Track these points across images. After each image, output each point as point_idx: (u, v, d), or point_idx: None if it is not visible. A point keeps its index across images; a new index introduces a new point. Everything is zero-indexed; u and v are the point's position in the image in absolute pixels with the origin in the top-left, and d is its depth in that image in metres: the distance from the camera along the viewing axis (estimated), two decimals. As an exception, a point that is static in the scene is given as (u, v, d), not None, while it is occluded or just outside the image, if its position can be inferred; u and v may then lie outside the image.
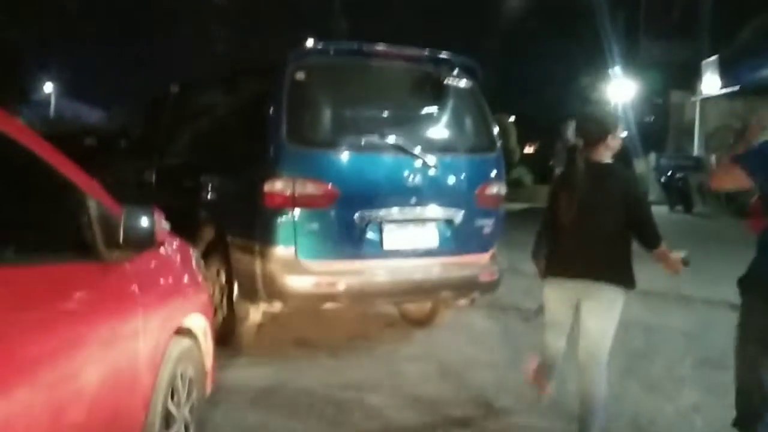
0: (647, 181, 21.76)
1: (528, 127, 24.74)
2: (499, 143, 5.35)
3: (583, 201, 3.33)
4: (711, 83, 20.21)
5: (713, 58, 20.00)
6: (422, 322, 5.73)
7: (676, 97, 22.60)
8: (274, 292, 4.44)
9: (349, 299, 4.60)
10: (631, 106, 20.49)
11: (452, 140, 5.14)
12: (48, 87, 33.12)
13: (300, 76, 4.55)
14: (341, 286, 4.48)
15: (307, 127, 4.58)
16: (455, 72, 5.18)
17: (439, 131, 5.12)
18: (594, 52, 21.86)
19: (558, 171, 6.26)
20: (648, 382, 4.79)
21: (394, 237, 4.73)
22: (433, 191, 4.87)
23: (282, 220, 4.41)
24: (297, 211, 4.41)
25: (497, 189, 5.21)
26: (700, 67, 20.71)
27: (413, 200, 4.78)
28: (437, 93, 5.10)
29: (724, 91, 19.42)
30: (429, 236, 4.89)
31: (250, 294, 4.57)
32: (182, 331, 2.98)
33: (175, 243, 3.11)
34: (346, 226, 4.56)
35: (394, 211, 4.72)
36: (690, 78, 21.47)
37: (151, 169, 5.84)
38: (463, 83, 5.20)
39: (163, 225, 2.57)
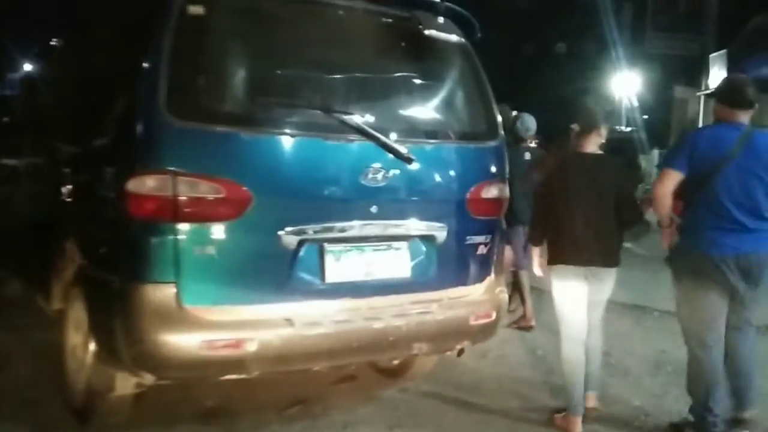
0: (651, 177, 20.02)
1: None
2: (501, 129, 3.53)
3: (584, 191, 3.43)
4: (718, 78, 18.31)
5: (721, 52, 18.11)
6: (396, 372, 3.92)
7: (679, 93, 20.72)
8: (140, 357, 2.62)
9: (266, 365, 2.75)
10: (637, 100, 18.71)
11: (434, 121, 3.29)
12: (28, 67, 30.91)
13: (195, 10, 2.69)
14: (252, 346, 2.65)
15: (202, 92, 2.72)
16: (441, 23, 3.34)
17: (416, 107, 3.26)
18: (598, 44, 20.05)
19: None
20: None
21: (341, 265, 2.91)
22: (404, 195, 3.07)
23: (155, 240, 2.58)
24: (182, 225, 2.59)
25: (498, 191, 3.40)
26: (707, 62, 18.83)
27: (374, 209, 2.96)
28: (414, 50, 3.25)
29: (732, 86, 17.54)
30: (397, 263, 3.08)
31: (111, 357, 2.77)
32: None
33: None
34: (264, 250, 2.75)
35: (343, 226, 2.90)
36: (695, 73, 19.64)
37: (14, 158, 3.96)
38: (452, 39, 3.35)
39: None
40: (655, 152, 19.92)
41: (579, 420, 3.50)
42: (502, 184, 3.44)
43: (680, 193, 3.34)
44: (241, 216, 2.67)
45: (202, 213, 2.62)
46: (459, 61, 3.38)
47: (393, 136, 3.00)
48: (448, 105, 3.35)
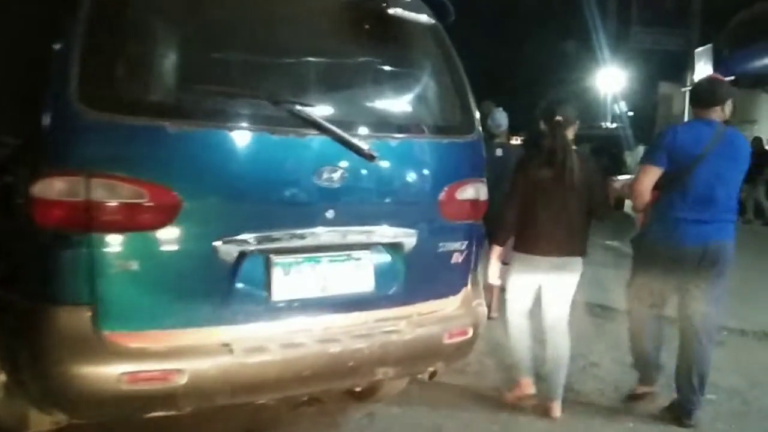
0: (636, 174, 19.68)
1: (515, 117, 22.51)
2: (478, 122, 3.13)
3: (556, 184, 3.48)
4: (704, 73, 18.06)
5: (707, 46, 17.83)
6: (363, 393, 3.49)
7: (664, 89, 20.45)
8: (50, 393, 2.21)
9: (200, 400, 2.33)
10: (623, 96, 18.42)
11: (401, 113, 2.88)
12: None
13: None
14: (182, 378, 2.24)
15: (121, 78, 2.27)
16: (409, 2, 2.89)
17: (380, 97, 2.85)
18: (584, 39, 19.72)
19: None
20: None
21: (292, 280, 2.50)
22: (365, 197, 2.66)
23: (66, 254, 2.15)
24: (98, 236, 2.16)
25: (475, 191, 2.99)
26: (692, 57, 18.56)
27: (330, 214, 2.54)
28: (378, 32, 2.82)
29: (718, 81, 17.23)
30: (358, 275, 2.66)
31: (20, 391, 2.34)
32: None
33: None
34: (198, 265, 2.32)
35: (294, 234, 2.49)
36: (679, 69, 19.37)
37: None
38: (422, 21, 2.94)
39: None
40: (640, 149, 19.65)
41: (529, 381, 3.66)
42: (479, 183, 3.04)
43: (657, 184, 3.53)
44: (168, 224, 2.25)
45: (121, 221, 2.20)
46: (429, 46, 2.96)
47: (352, 129, 2.59)
48: (416, 95, 2.94)
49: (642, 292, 3.67)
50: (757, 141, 14.30)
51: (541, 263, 3.52)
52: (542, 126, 3.60)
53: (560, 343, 3.61)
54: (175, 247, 2.28)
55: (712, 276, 3.47)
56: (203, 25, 2.48)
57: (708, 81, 3.75)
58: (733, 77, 16.38)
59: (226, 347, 2.33)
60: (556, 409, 3.58)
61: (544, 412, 3.58)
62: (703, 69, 18.07)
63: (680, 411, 3.59)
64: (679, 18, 19.24)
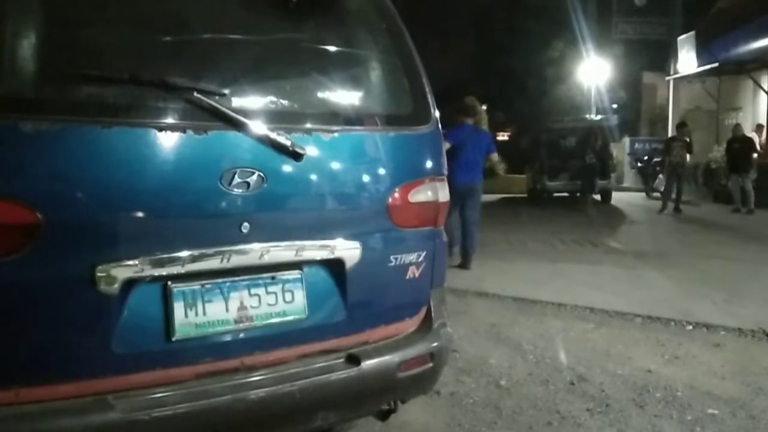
0: (623, 165, 19.28)
1: (501, 113, 22.00)
2: (435, 112, 2.58)
3: None
4: (687, 61, 17.59)
5: (689, 34, 17.37)
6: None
7: (648, 78, 19.97)
8: None
9: None
10: (607, 87, 17.96)
11: (338, 100, 2.32)
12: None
13: None
14: None
15: None
16: None
17: (310, 81, 2.27)
18: (567, 31, 19.22)
19: None
20: None
21: (198, 313, 1.95)
22: (293, 205, 2.12)
23: None
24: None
25: (432, 192, 2.46)
26: (675, 45, 18.10)
27: (245, 227, 1.99)
28: (307, 4, 2.32)
29: (701, 69, 16.80)
30: (286, 301, 2.13)
31: None
32: None
33: None
34: (68, 300, 1.77)
35: (198, 255, 1.94)
36: (663, 58, 18.93)
37: None
38: None
39: None
40: (626, 140, 19.20)
41: None
42: (438, 182, 2.50)
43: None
44: (23, 251, 1.70)
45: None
46: (370, 18, 2.43)
47: (273, 121, 2.05)
48: (356, 78, 2.40)
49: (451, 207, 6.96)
50: (739, 128, 13.85)
51: None
52: None
53: None
54: (34, 280, 1.73)
55: (474, 199, 7.10)
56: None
57: (469, 101, 7.23)
58: (716, 64, 16.00)
59: (102, 403, 1.78)
60: None
61: None
62: (686, 57, 17.63)
63: (465, 263, 7.06)
64: (661, 7, 18.78)
